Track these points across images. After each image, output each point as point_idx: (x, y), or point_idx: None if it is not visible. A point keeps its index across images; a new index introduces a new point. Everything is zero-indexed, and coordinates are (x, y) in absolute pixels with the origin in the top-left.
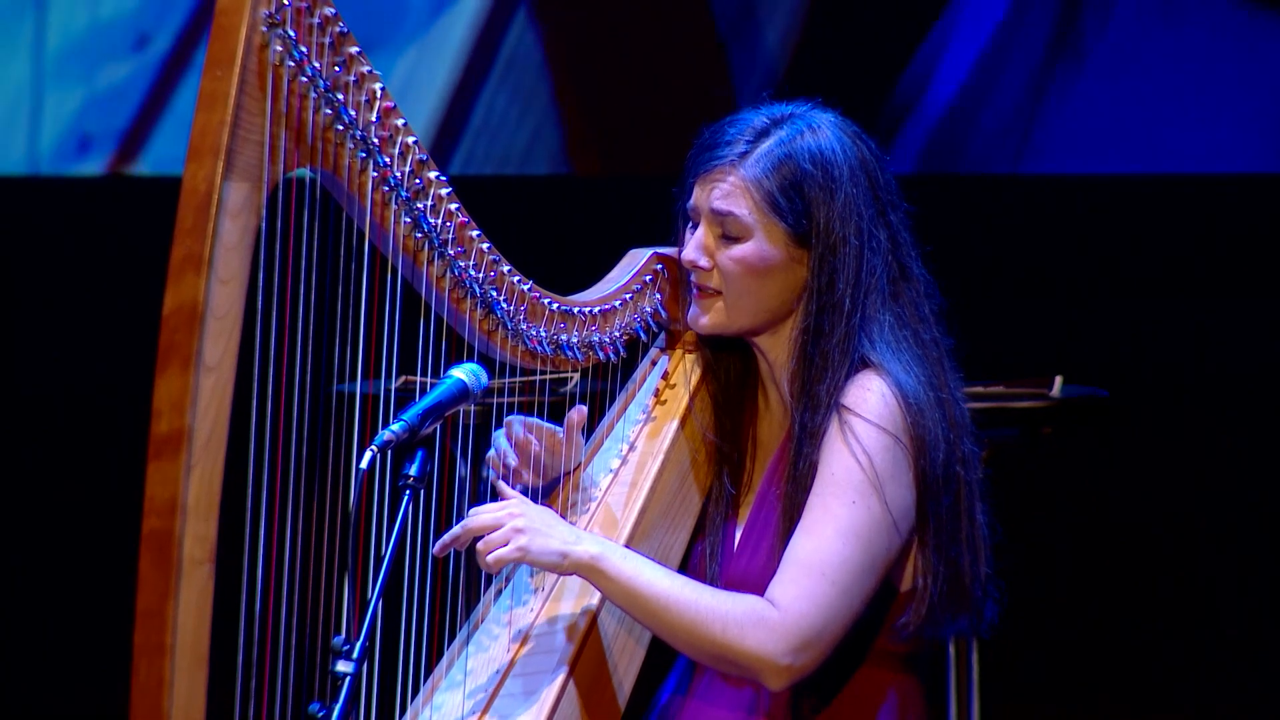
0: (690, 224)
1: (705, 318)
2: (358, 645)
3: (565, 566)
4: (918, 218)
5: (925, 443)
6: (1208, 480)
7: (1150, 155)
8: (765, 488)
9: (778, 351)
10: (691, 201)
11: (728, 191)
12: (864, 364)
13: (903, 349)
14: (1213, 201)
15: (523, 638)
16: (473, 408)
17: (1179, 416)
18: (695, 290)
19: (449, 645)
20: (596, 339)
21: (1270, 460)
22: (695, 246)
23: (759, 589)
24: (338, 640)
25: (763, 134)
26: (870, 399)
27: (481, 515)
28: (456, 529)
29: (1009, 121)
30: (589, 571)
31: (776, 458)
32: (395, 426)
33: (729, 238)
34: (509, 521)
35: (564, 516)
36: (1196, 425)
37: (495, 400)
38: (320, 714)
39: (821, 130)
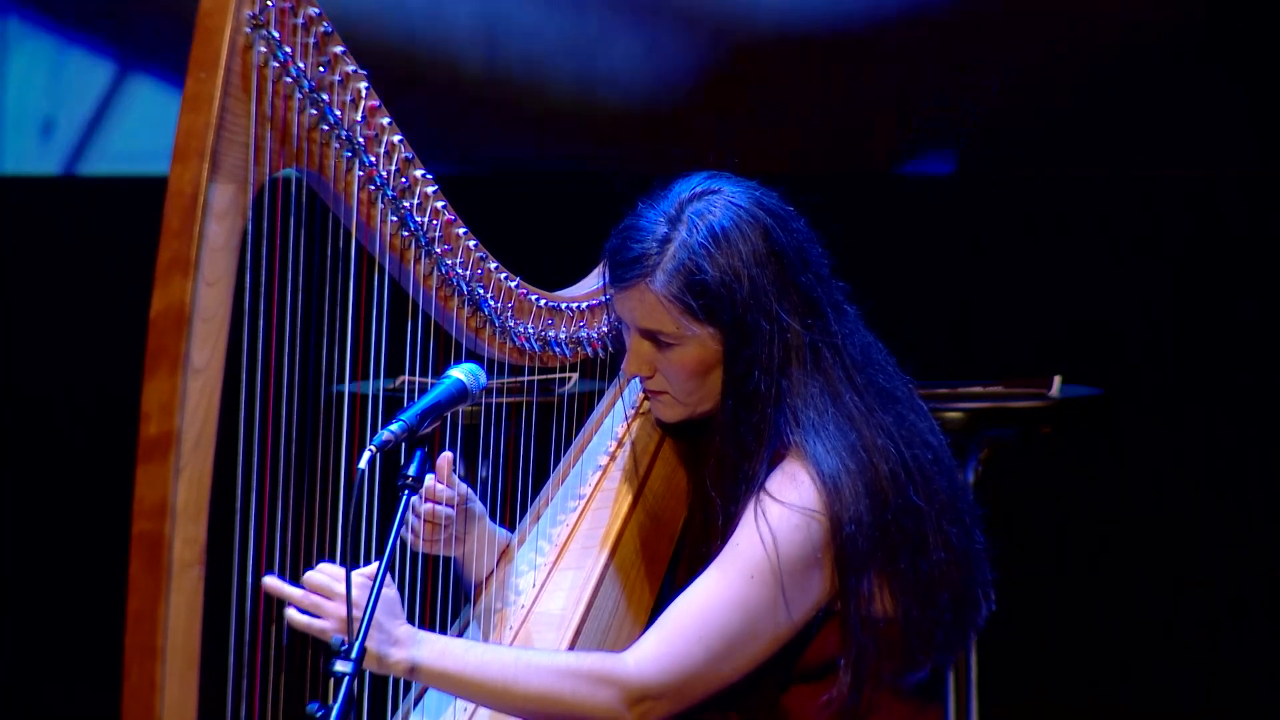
0: (624, 325)
1: (665, 414)
2: (355, 645)
3: (384, 669)
4: (924, 218)
5: (842, 522)
6: (1206, 480)
7: (1149, 154)
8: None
9: None
10: (617, 313)
11: (647, 312)
12: (792, 448)
13: (826, 423)
14: (1213, 201)
15: (513, 636)
16: (468, 407)
17: (1177, 416)
18: (646, 391)
19: None
20: (584, 334)
21: (1269, 460)
22: (635, 360)
23: None
24: (336, 640)
25: (664, 241)
26: (790, 485)
27: (318, 597)
28: (293, 591)
29: (1007, 122)
30: (412, 675)
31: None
32: (394, 427)
33: (662, 345)
34: (338, 605)
35: (554, 514)
36: (1195, 425)
37: (493, 400)
38: (319, 714)
39: (717, 216)
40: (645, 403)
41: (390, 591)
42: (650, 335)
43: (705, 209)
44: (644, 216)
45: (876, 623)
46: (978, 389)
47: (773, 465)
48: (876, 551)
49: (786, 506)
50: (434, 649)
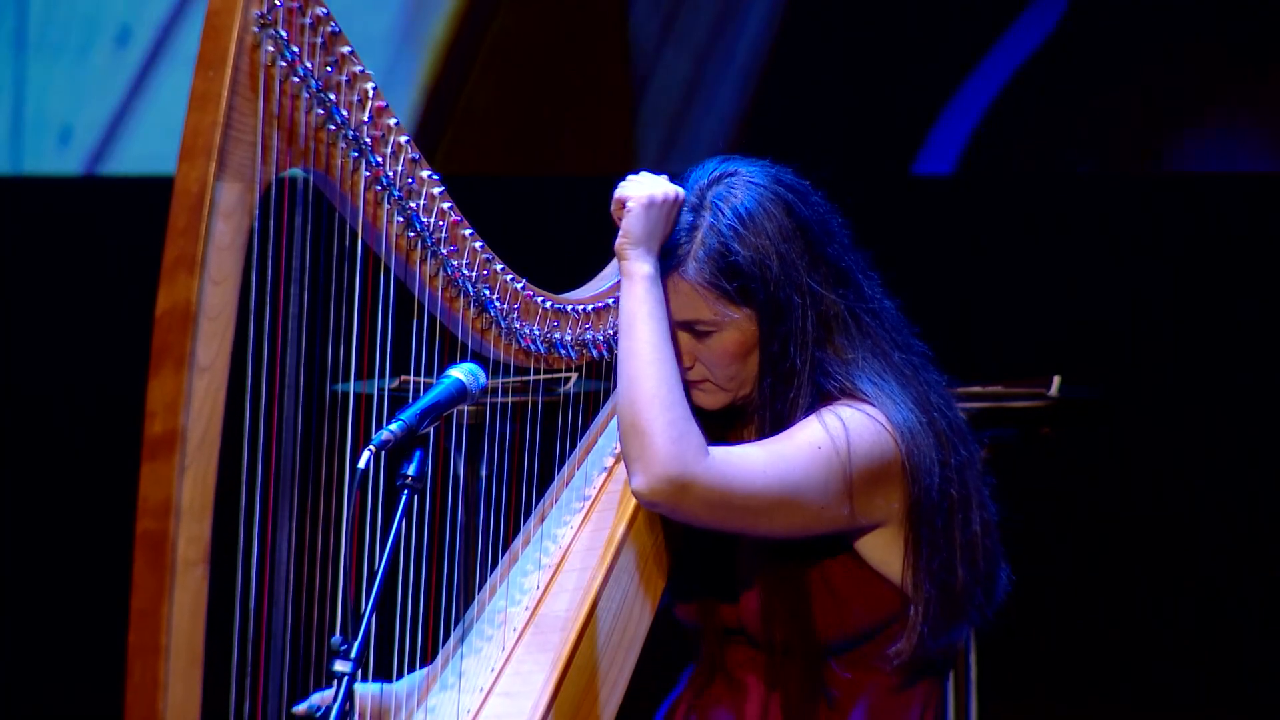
0: None
1: (706, 401)
2: (355, 645)
3: (632, 255)
4: (923, 218)
5: (920, 469)
6: (1205, 479)
7: (1150, 154)
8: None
9: None
10: None
11: (683, 303)
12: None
13: (887, 380)
14: (1213, 201)
15: (517, 637)
16: (470, 407)
17: (1177, 416)
18: (687, 381)
19: (443, 644)
20: (590, 337)
21: (1268, 460)
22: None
23: (755, 631)
24: (336, 640)
25: (691, 229)
26: (856, 404)
27: (646, 176)
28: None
29: (1006, 122)
30: (635, 276)
31: None
32: (393, 426)
33: (699, 334)
34: (659, 188)
35: (559, 515)
36: (1194, 425)
37: (493, 400)
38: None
39: (739, 197)
40: None
41: (677, 196)
42: (687, 326)
43: (727, 192)
44: None
45: (940, 575)
46: (977, 389)
47: None
48: (944, 503)
49: (858, 410)
50: (657, 286)
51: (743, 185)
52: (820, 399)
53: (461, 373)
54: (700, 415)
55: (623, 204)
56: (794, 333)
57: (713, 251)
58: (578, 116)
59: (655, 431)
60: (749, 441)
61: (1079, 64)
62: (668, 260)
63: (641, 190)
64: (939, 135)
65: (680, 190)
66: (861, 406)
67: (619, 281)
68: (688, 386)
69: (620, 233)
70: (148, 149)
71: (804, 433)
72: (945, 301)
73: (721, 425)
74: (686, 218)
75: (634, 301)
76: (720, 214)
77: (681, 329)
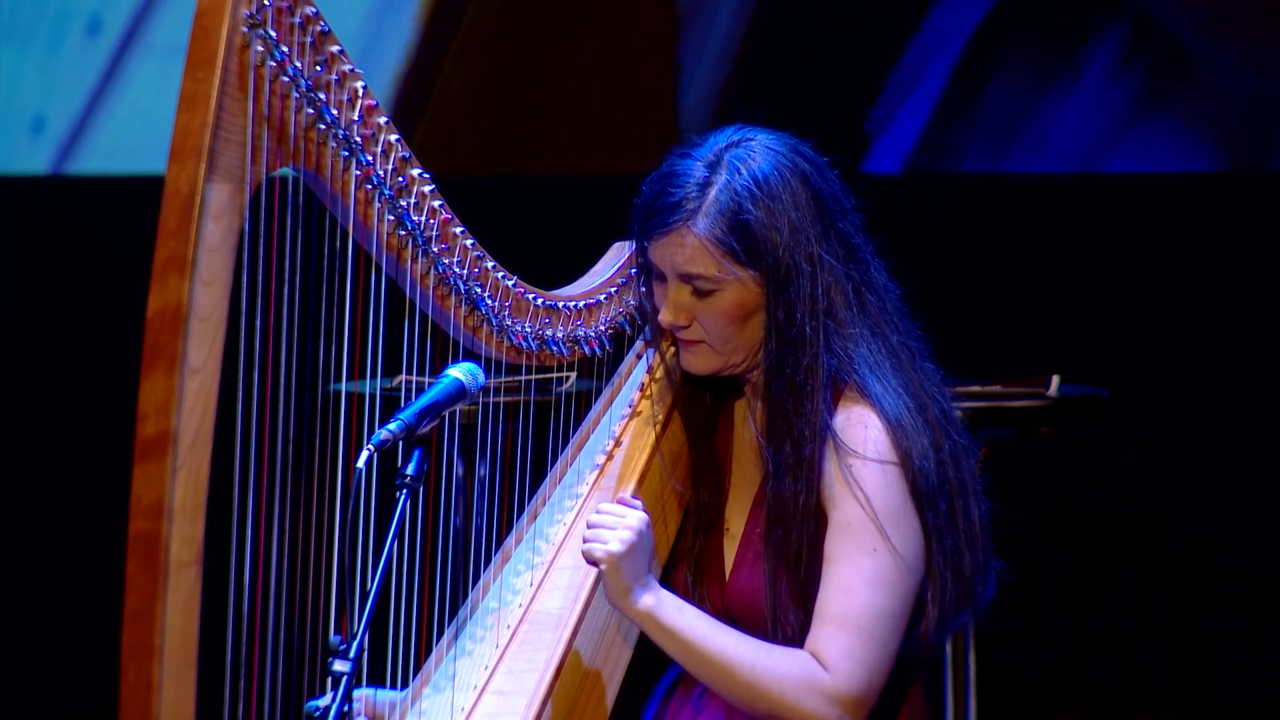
0: (656, 277)
1: (696, 364)
2: (354, 644)
3: (624, 606)
4: (916, 217)
5: (912, 457)
6: (1205, 479)
7: (1147, 153)
8: (750, 526)
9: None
10: (653, 262)
11: (689, 256)
12: (848, 389)
13: (881, 362)
14: (1213, 201)
15: (511, 635)
16: (465, 406)
17: (1176, 416)
18: (680, 341)
19: (437, 642)
20: (582, 333)
21: (1268, 459)
22: (672, 309)
23: (759, 615)
24: (335, 639)
25: (705, 185)
26: (868, 436)
27: (608, 516)
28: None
29: (1006, 119)
30: (644, 621)
31: (759, 494)
32: (392, 426)
33: (700, 292)
34: (623, 531)
35: (552, 513)
36: (1194, 424)
37: (491, 399)
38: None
39: (757, 161)
40: (642, 401)
41: (644, 523)
42: (689, 280)
43: (745, 155)
44: (681, 165)
45: (952, 557)
46: (976, 388)
47: (832, 406)
48: (944, 486)
49: (869, 462)
50: (672, 605)
51: (761, 150)
52: (827, 381)
53: (460, 372)
54: (691, 381)
55: (595, 564)
56: (800, 299)
57: (725, 209)
58: (564, 112)
59: (788, 707)
60: (762, 437)
61: (1073, 62)
62: (675, 213)
63: (605, 550)
64: (938, 132)
65: (644, 516)
66: (867, 445)
67: (611, 277)
68: (680, 347)
69: (606, 589)
70: (120, 140)
71: (852, 545)
72: (944, 301)
73: (713, 399)
74: (701, 173)
75: (664, 634)
76: (737, 174)
77: (684, 281)
